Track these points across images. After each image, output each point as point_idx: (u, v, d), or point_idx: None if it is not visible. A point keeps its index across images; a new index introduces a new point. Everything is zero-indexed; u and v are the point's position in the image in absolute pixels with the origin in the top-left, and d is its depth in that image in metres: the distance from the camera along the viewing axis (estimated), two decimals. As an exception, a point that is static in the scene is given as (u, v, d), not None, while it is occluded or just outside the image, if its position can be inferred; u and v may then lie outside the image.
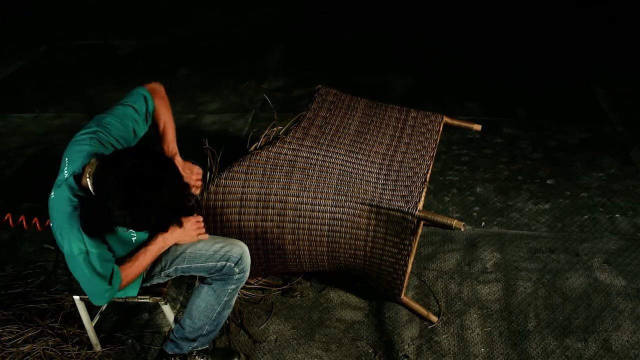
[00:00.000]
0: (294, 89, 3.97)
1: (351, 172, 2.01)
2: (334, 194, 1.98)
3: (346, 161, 2.05)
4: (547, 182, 2.94)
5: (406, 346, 2.06)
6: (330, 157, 2.06)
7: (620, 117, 3.50)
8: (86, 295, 1.63)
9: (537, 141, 3.28)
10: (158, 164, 1.45)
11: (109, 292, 1.59)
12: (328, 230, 2.00)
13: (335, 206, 1.97)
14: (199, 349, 1.95)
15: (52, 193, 1.55)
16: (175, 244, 1.81)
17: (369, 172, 2.02)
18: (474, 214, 2.73)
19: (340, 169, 2.02)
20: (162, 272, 1.84)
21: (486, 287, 2.30)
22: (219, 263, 1.82)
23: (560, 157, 3.14)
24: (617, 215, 2.68)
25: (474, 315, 2.17)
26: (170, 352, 1.94)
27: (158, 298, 1.86)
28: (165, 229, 1.71)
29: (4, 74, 4.47)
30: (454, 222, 1.83)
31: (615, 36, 4.61)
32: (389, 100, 3.81)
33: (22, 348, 2.03)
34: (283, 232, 2.04)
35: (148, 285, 1.86)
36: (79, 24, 5.39)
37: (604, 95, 3.76)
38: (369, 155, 2.09)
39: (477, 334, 2.10)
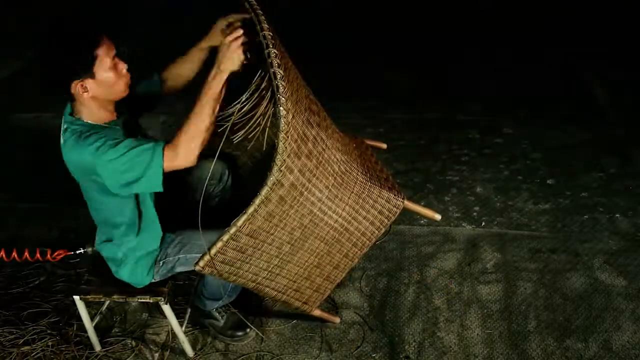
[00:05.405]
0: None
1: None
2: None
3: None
4: (547, 182, 2.94)
5: (407, 346, 2.06)
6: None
7: (620, 117, 3.50)
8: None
9: (537, 141, 3.28)
10: None
11: (159, 148, 1.51)
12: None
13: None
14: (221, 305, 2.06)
15: (62, 139, 1.60)
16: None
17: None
18: (474, 214, 2.73)
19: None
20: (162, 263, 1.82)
21: (486, 287, 2.30)
22: None
23: (560, 157, 3.14)
24: (617, 215, 2.68)
25: (474, 316, 2.17)
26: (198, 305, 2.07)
27: (158, 298, 1.85)
28: None
29: (4, 74, 4.47)
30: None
31: (615, 36, 4.62)
32: (390, 100, 3.83)
33: (22, 348, 2.03)
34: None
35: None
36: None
37: (604, 95, 3.76)
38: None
39: (477, 334, 2.10)
